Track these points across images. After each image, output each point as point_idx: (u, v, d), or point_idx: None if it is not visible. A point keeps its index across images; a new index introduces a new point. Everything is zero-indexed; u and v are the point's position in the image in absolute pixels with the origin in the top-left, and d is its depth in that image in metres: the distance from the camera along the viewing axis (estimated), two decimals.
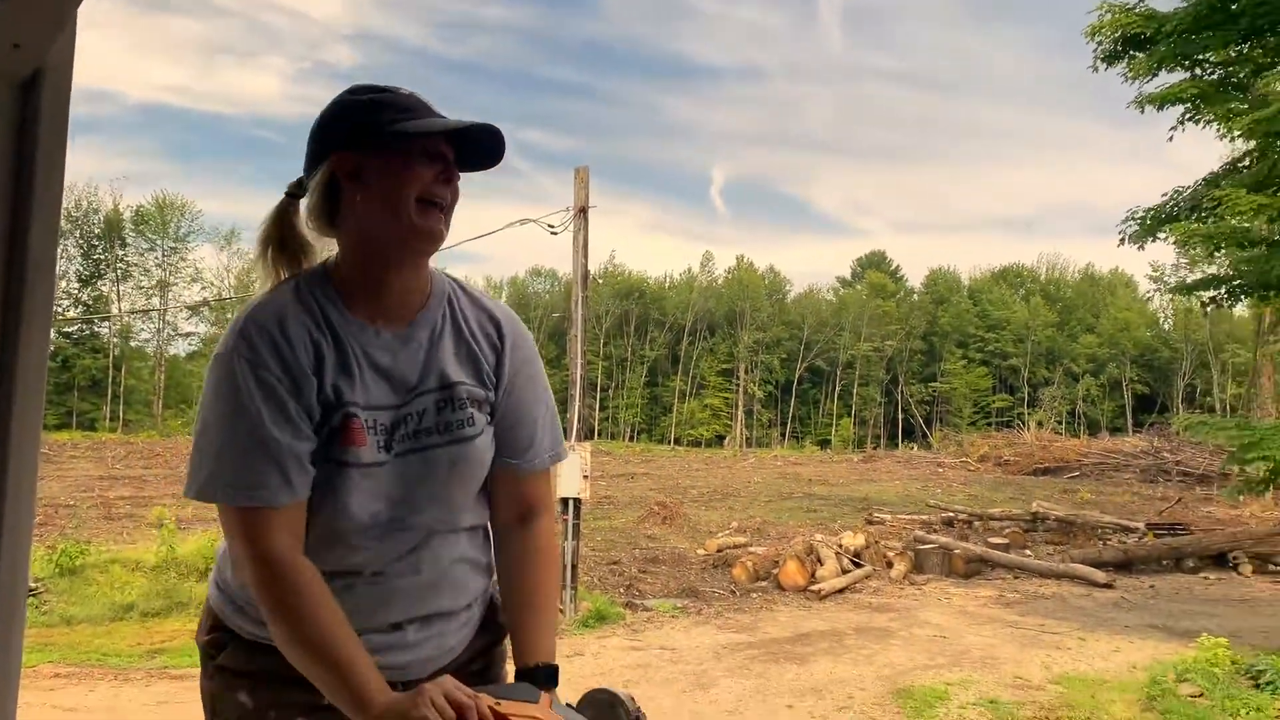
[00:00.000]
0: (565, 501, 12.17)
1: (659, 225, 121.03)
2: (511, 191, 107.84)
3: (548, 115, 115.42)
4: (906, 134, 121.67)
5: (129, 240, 57.64)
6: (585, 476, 11.89)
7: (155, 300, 57.30)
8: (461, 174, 1.62)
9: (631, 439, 67.81)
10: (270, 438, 1.48)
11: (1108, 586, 13.82)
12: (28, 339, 1.24)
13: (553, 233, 12.23)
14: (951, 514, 19.81)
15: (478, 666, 1.77)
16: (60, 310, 55.41)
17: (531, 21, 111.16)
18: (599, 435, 68.20)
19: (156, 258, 58.34)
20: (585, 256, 12.58)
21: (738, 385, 71.59)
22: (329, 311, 1.59)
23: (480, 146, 1.61)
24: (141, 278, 58.49)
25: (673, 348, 73.97)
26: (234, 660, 1.66)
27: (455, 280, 1.75)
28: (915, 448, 54.68)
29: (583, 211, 12.25)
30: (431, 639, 1.67)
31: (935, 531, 17.54)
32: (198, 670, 1.75)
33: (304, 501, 1.53)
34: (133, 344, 58.01)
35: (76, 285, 55.79)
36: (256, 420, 1.48)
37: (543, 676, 1.60)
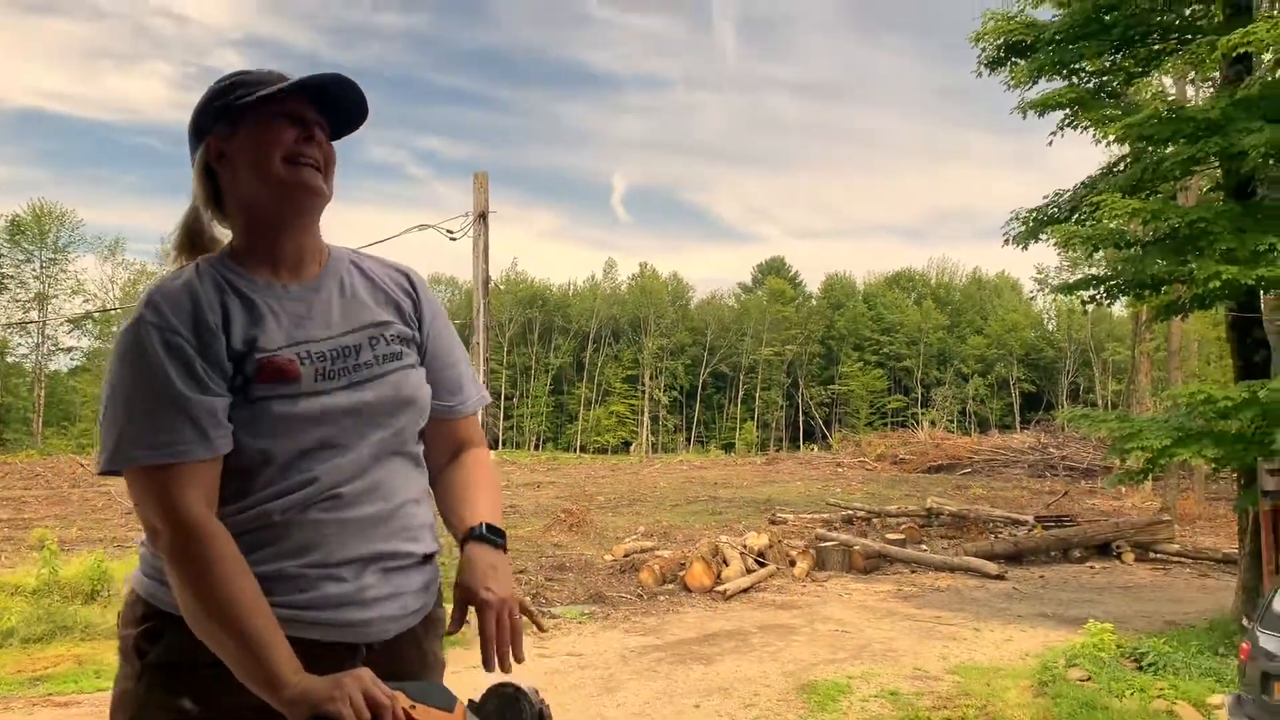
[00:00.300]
0: None
1: (561, 233, 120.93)
2: (409, 199, 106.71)
3: (445, 123, 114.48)
4: (800, 141, 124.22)
5: (3, 251, 54.89)
6: None
7: (34, 314, 54.65)
8: (336, 139, 1.67)
9: (537, 448, 67.48)
10: (180, 394, 1.46)
11: (1000, 578, 14.31)
12: None
13: (451, 238, 12.11)
14: (851, 512, 20.25)
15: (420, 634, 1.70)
16: None
17: (424, 28, 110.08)
18: (504, 445, 67.66)
19: (34, 269, 55.60)
20: (486, 262, 12.48)
21: (643, 392, 71.90)
22: (232, 279, 1.59)
23: (342, 104, 1.64)
24: (18, 290, 55.69)
25: (577, 355, 73.91)
26: (175, 653, 1.48)
27: (356, 250, 1.80)
28: (816, 449, 55.75)
29: (482, 217, 12.16)
30: (393, 597, 1.59)
31: (836, 529, 17.91)
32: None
33: (219, 461, 1.48)
34: (9, 360, 55.23)
35: None
36: (165, 380, 1.46)
37: (489, 532, 1.64)
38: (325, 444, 1.54)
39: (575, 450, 66.07)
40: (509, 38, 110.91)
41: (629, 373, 72.82)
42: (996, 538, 17.69)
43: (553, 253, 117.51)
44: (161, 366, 1.47)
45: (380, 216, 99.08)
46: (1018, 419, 65.47)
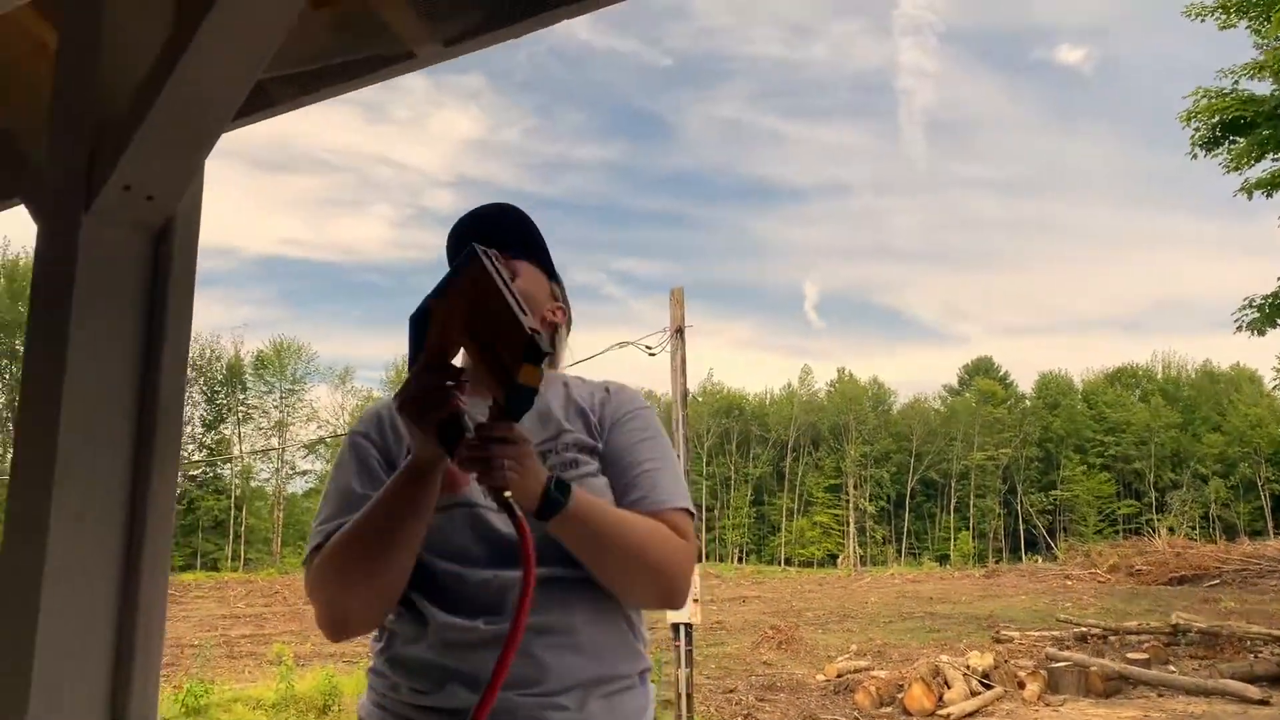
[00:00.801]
0: (676, 627, 11.91)
1: (755, 343, 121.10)
2: (609, 318, 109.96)
3: (640, 244, 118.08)
4: (999, 238, 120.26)
5: (249, 384, 60.44)
6: (695, 600, 11.65)
7: (274, 440, 59.49)
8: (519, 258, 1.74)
9: (740, 560, 66.49)
10: (349, 488, 1.54)
11: (1263, 703, 12.77)
12: (158, 477, 1.28)
13: (650, 354, 12.36)
14: (1084, 629, 18.70)
15: None
16: (185, 454, 57.93)
17: (620, 157, 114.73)
18: (706, 557, 67.12)
19: (275, 399, 60.92)
20: (684, 376, 12.63)
21: (847, 501, 69.92)
22: None
23: (512, 232, 1.74)
24: (261, 419, 61.00)
25: (777, 464, 72.97)
26: None
27: (568, 372, 1.84)
28: (1040, 560, 52.26)
29: (679, 332, 12.36)
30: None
31: (1068, 648, 16.55)
32: None
33: None
34: (253, 484, 60.05)
35: (201, 430, 58.36)
36: (346, 477, 1.56)
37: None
38: (492, 557, 1.54)
39: (779, 563, 64.66)
40: (699, 159, 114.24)
41: (831, 482, 71.11)
42: (1256, 657, 15.84)
43: (748, 362, 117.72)
44: (347, 466, 1.58)
45: (584, 337, 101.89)
46: (1270, 523, 59.32)
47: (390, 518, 1.37)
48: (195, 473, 56.56)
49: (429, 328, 1.28)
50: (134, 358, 1.29)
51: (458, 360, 1.32)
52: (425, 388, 1.27)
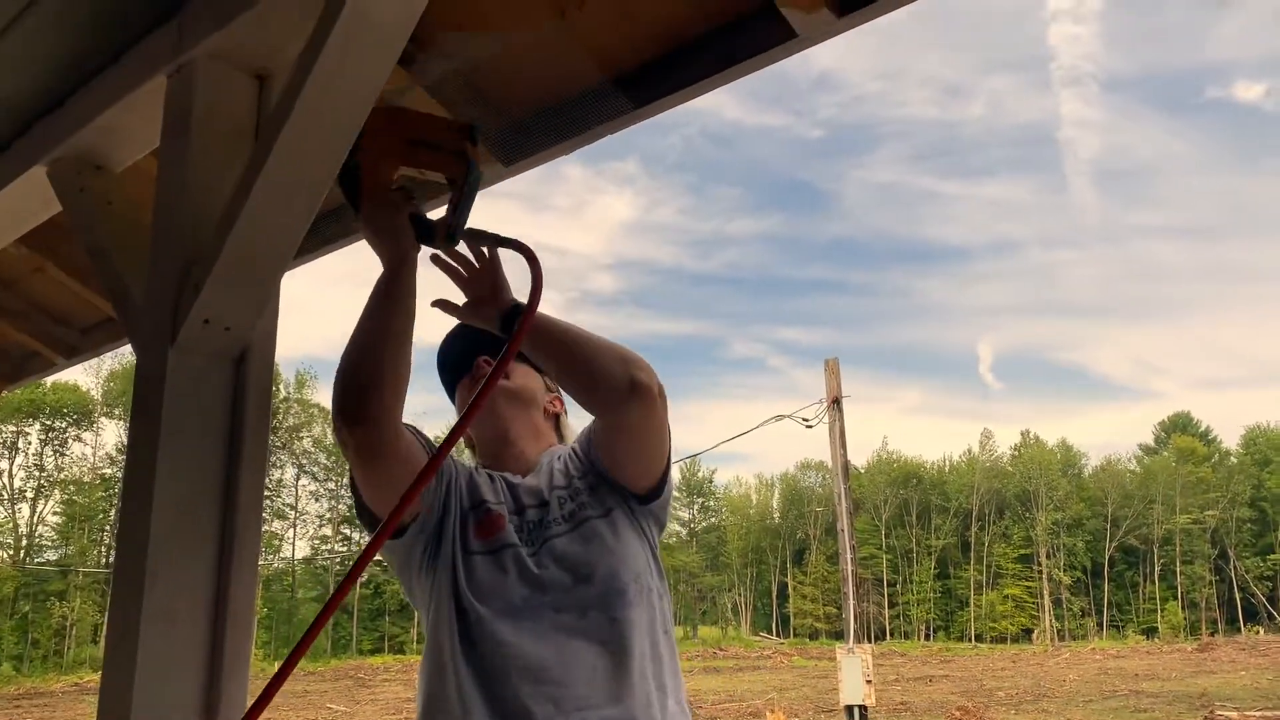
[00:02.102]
0: (850, 710, 11.52)
1: (928, 408, 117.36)
2: (772, 389, 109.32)
3: (802, 313, 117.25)
4: (1185, 287, 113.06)
5: None
6: (869, 681, 11.25)
7: None
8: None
9: (926, 637, 63.65)
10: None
11: None
12: (239, 580, 1.41)
13: (808, 426, 12.23)
14: None
15: None
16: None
17: (775, 229, 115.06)
18: (890, 635, 64.57)
19: None
20: (844, 448, 12.41)
21: (1039, 572, 66.10)
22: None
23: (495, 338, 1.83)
24: None
25: (961, 534, 69.90)
26: None
27: None
28: (1261, 631, 47.77)
29: (835, 402, 12.20)
30: None
31: None
32: None
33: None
34: None
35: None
36: None
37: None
38: (527, 605, 1.69)
39: (969, 639, 61.51)
40: (858, 225, 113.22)
41: (1021, 552, 67.47)
42: None
43: (922, 429, 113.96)
44: None
45: (746, 409, 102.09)
46: None
47: (376, 315, 1.49)
48: (380, 558, 59.06)
49: (360, 180, 1.49)
50: (217, 473, 1.43)
51: None
52: (382, 201, 1.49)
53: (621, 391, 1.64)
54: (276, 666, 1.15)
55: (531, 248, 1.41)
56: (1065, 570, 65.92)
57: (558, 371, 1.71)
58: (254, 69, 1.55)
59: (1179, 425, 77.03)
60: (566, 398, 1.96)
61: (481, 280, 1.73)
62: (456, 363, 1.93)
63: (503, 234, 1.52)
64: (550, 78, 1.76)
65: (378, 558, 1.33)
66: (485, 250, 1.71)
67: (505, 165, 1.84)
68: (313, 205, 1.42)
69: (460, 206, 1.50)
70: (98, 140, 1.74)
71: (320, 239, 1.85)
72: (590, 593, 1.62)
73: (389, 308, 1.50)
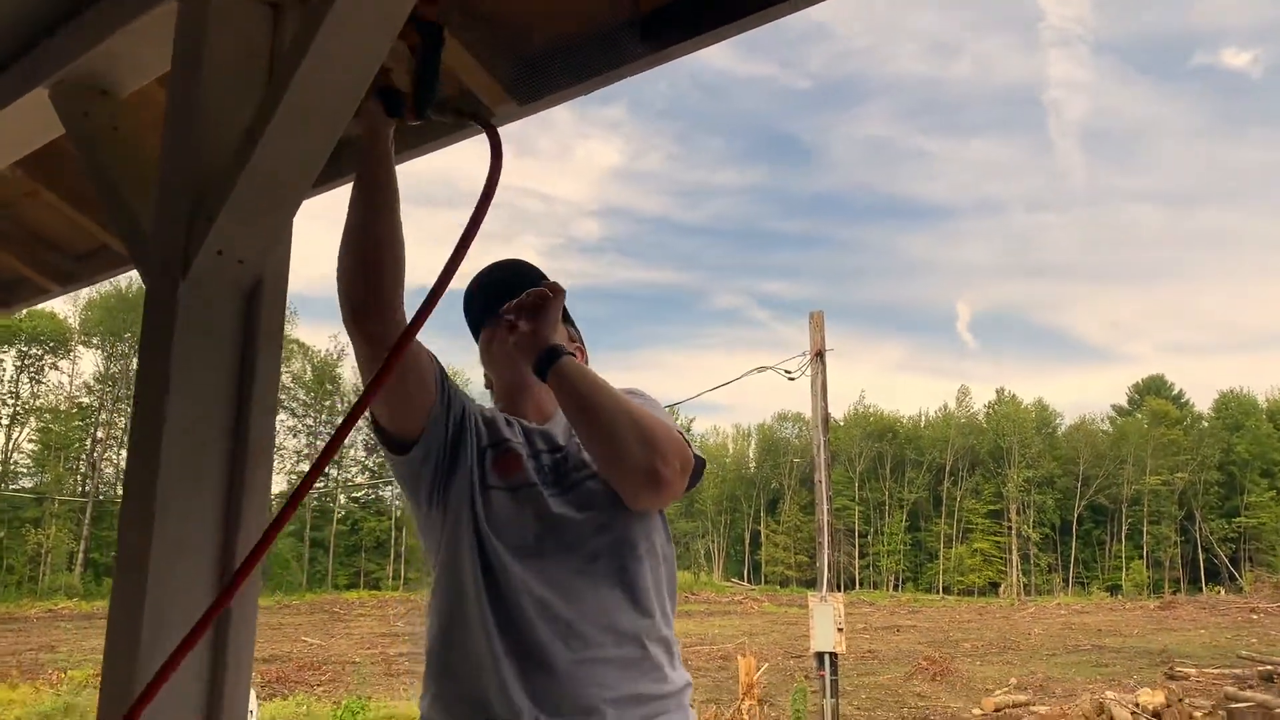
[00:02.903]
0: (820, 657, 11.73)
1: (907, 364, 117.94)
2: (753, 341, 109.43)
3: (785, 267, 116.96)
4: (1165, 253, 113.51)
5: None
6: (840, 630, 11.44)
7: None
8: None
9: (896, 588, 64.71)
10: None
11: None
12: (250, 512, 1.41)
13: (790, 378, 12.28)
14: (1270, 667, 17.37)
15: None
16: (350, 477, 60.74)
17: (762, 180, 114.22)
18: (860, 585, 65.61)
19: None
20: (825, 401, 12.48)
21: (1009, 528, 67.15)
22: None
23: (522, 283, 1.83)
24: None
25: (933, 489, 70.81)
26: None
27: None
28: (1222, 591, 48.91)
29: (819, 355, 12.24)
30: None
31: (1251, 687, 15.42)
32: None
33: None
34: None
35: (364, 454, 61.07)
36: None
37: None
38: (538, 543, 1.72)
39: (937, 591, 62.62)
40: (843, 179, 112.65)
41: (991, 507, 68.45)
42: None
43: (900, 385, 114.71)
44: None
45: (727, 361, 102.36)
46: None
47: (359, 199, 1.53)
48: (358, 495, 59.22)
49: None
50: (228, 405, 1.42)
51: None
52: None
53: (636, 478, 1.60)
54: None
55: (496, 129, 1.36)
56: (1034, 527, 67.00)
57: (576, 428, 1.66)
58: None
59: (1152, 388, 77.95)
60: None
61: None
62: (480, 310, 1.91)
63: (469, 106, 1.49)
64: (568, 16, 1.72)
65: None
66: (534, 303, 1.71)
67: (520, 104, 1.81)
68: (332, 136, 1.39)
69: (423, 76, 1.45)
70: (103, 64, 1.70)
71: (336, 170, 1.82)
72: (602, 541, 1.64)
73: (369, 186, 1.53)
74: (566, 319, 1.89)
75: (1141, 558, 65.55)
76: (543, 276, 1.87)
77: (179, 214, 1.42)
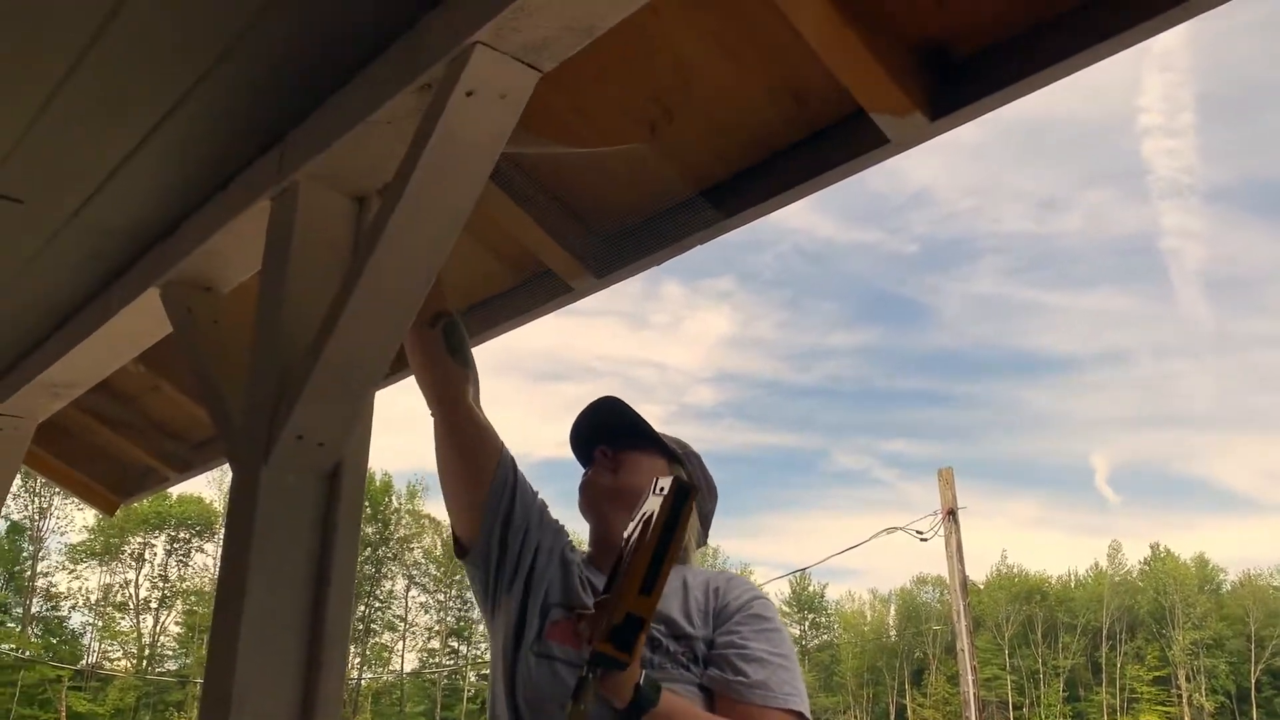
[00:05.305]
0: None
1: (1043, 521, 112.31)
2: (879, 503, 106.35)
3: (906, 425, 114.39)
4: None
5: None
6: None
7: None
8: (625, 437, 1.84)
9: None
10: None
11: None
12: (325, 699, 1.39)
13: (922, 539, 11.78)
14: None
15: None
16: (480, 653, 60.44)
17: (874, 341, 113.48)
18: None
19: None
20: (961, 562, 11.89)
21: (1179, 695, 61.60)
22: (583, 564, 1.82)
23: (614, 422, 1.83)
24: None
25: (1090, 655, 65.88)
26: None
27: (704, 568, 1.83)
28: None
29: (951, 514, 11.75)
30: None
31: None
32: None
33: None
34: None
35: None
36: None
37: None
38: None
39: None
40: (959, 336, 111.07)
41: (1156, 674, 63.12)
42: None
43: (1039, 543, 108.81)
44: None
45: (853, 523, 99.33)
46: None
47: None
48: (489, 672, 58.76)
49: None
50: (306, 586, 1.43)
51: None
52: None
53: None
54: None
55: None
56: (1207, 695, 61.28)
57: None
58: (352, 191, 1.60)
59: None
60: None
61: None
62: (580, 453, 1.91)
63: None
64: (641, 191, 1.77)
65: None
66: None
67: (598, 278, 1.84)
68: (404, 322, 1.43)
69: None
70: (206, 262, 1.81)
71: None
72: None
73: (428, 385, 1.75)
74: (673, 458, 1.82)
75: None
76: (641, 424, 1.83)
77: (264, 401, 1.47)
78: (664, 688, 1.46)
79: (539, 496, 1.80)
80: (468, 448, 1.72)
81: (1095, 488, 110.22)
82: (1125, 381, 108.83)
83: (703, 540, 1.84)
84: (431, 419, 1.73)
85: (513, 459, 1.76)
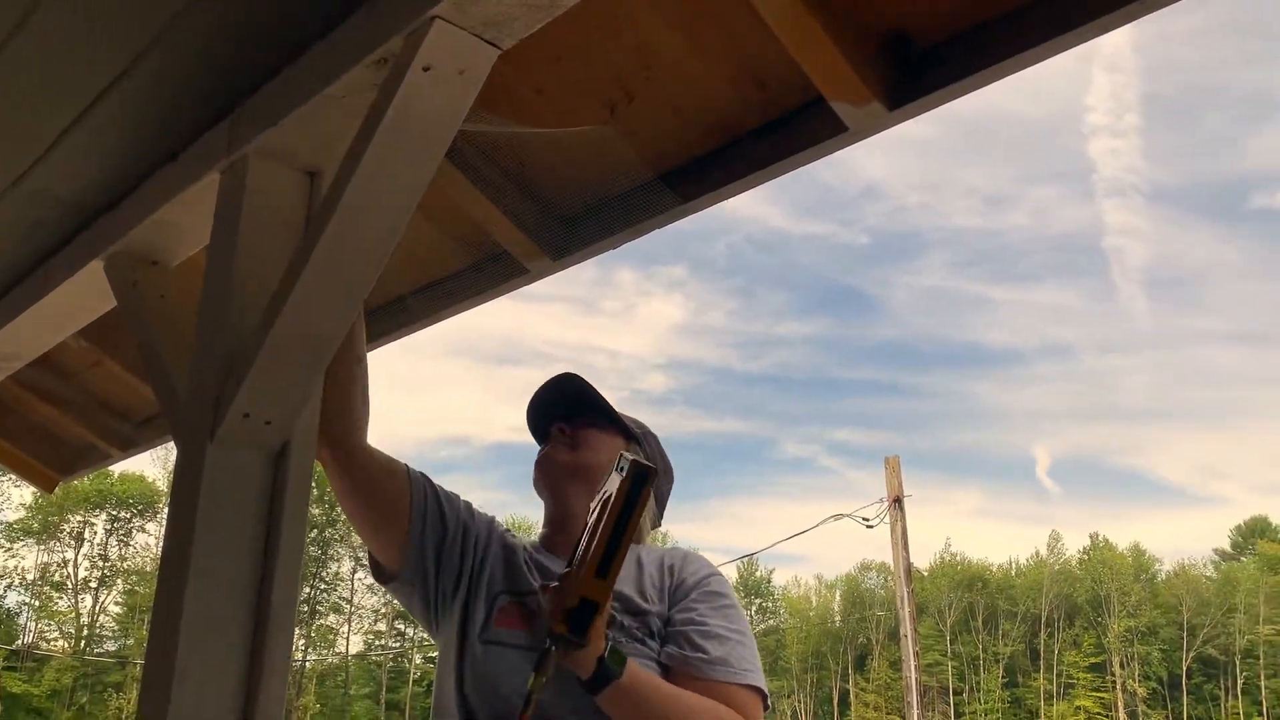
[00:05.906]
0: None
1: (986, 511, 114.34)
2: (824, 490, 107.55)
3: (853, 414, 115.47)
4: (1245, 392, 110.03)
5: None
6: None
7: None
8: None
9: None
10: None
11: None
12: (269, 678, 1.37)
13: (868, 526, 11.94)
14: None
15: None
16: (426, 636, 60.15)
17: (824, 331, 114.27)
18: None
19: None
20: (906, 550, 12.07)
21: (1114, 682, 63.18)
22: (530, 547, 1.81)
23: (573, 399, 1.84)
24: None
25: (1029, 641, 67.30)
26: None
27: (658, 546, 1.84)
28: None
29: (897, 501, 11.91)
30: None
31: None
32: None
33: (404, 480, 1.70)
34: None
35: None
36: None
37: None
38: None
39: None
40: (907, 328, 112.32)
41: (1093, 660, 64.67)
42: None
43: (981, 532, 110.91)
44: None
45: (800, 509, 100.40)
46: None
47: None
48: (435, 655, 58.55)
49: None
50: (253, 564, 1.41)
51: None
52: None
53: None
54: None
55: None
56: (1140, 681, 62.95)
57: None
58: (305, 166, 1.57)
59: (1257, 530, 74.04)
60: None
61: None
62: (537, 429, 1.90)
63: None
64: (599, 173, 1.76)
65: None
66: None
67: (553, 259, 1.83)
68: (356, 301, 1.40)
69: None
70: (153, 235, 1.76)
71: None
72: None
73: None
74: (630, 436, 1.83)
75: (1261, 714, 60.83)
76: (600, 402, 1.83)
77: (210, 378, 1.44)
78: (628, 659, 1.46)
79: (459, 498, 1.77)
80: (375, 490, 1.66)
81: (1036, 478, 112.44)
82: (1067, 375, 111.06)
83: (658, 521, 1.84)
84: (324, 460, 1.65)
85: (423, 476, 1.73)
